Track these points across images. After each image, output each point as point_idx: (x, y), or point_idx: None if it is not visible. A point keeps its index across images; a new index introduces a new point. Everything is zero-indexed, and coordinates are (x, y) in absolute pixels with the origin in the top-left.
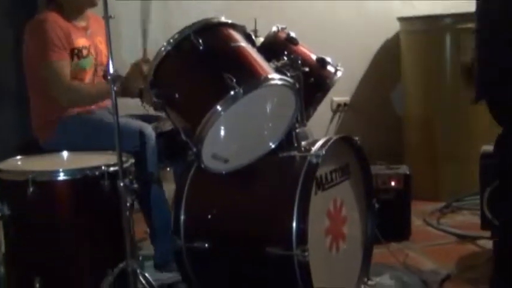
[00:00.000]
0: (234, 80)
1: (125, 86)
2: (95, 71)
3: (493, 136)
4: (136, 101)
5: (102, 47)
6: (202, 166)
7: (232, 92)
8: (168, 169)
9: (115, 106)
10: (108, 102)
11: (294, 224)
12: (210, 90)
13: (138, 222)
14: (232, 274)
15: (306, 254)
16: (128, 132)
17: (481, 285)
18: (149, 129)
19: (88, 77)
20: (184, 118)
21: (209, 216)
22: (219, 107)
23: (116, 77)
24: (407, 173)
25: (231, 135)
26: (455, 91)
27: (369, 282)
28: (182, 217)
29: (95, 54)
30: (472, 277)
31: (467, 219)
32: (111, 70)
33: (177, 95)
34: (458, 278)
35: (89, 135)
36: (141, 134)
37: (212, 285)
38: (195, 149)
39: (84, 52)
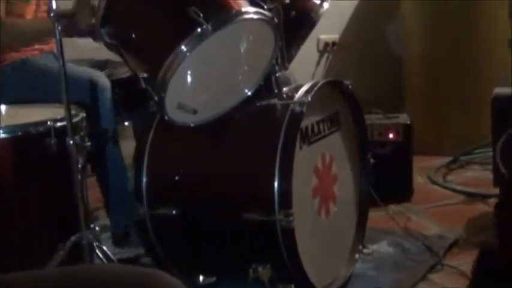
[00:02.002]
0: (201, 15)
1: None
2: (38, 6)
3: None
4: (88, 42)
5: None
6: (167, 118)
7: (199, 29)
8: (126, 123)
9: (60, 49)
10: (53, 45)
11: (276, 184)
12: (172, 28)
13: (92, 187)
14: (205, 244)
15: (291, 219)
16: (76, 83)
17: None
18: (102, 78)
19: (29, 14)
20: (143, 61)
21: (176, 178)
22: (183, 47)
23: (61, 14)
24: (408, 122)
25: (200, 81)
26: (463, 24)
27: (364, 250)
28: (144, 179)
29: None
30: (484, 241)
31: (478, 175)
32: (54, 5)
33: (133, 34)
34: (468, 243)
35: (31, 85)
36: (93, 85)
37: (181, 258)
38: (157, 98)
39: None
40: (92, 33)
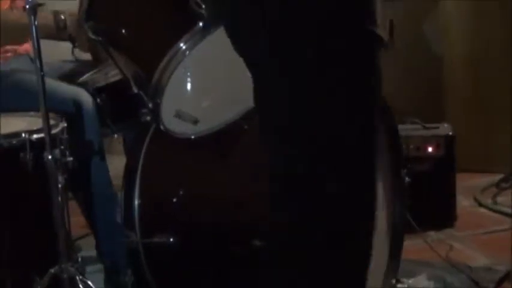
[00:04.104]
0: (203, 6)
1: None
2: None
3: None
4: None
5: None
6: (163, 129)
7: (200, 24)
8: (116, 136)
9: (37, 49)
10: (28, 47)
11: None
12: (169, 22)
13: (75, 211)
14: (208, 278)
15: None
16: (56, 95)
17: None
18: (85, 95)
19: (3, 5)
20: (135, 62)
21: (174, 200)
22: (182, 45)
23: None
24: (450, 133)
25: (201, 85)
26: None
27: (399, 286)
28: (136, 202)
29: None
30: None
31: None
32: None
33: (123, 30)
34: None
35: (3, 92)
36: (75, 100)
37: None
38: (151, 105)
39: None
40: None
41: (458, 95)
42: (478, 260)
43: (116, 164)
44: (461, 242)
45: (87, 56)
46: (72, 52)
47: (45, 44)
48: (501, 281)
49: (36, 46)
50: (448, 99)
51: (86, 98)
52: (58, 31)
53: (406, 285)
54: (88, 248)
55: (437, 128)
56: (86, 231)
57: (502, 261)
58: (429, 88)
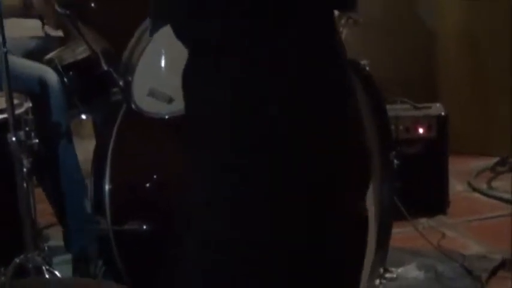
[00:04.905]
0: None
1: None
2: None
3: None
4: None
5: None
6: (135, 108)
7: None
8: (84, 117)
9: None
10: None
11: None
12: None
13: (43, 197)
14: (181, 265)
15: None
16: (23, 73)
17: None
18: (51, 73)
19: None
20: (104, 37)
21: (147, 185)
22: None
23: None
24: (443, 114)
25: (176, 62)
26: None
27: (387, 275)
28: (107, 187)
29: None
30: None
31: None
32: None
33: (92, 3)
34: None
35: None
36: (41, 78)
37: (152, 284)
38: (122, 83)
39: None
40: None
41: (452, 73)
42: (472, 248)
43: (86, 148)
44: (454, 230)
45: (59, 33)
46: (43, 29)
47: (12, 20)
48: (496, 269)
49: None
50: (441, 77)
51: (51, 76)
52: (25, 8)
53: (395, 275)
54: (56, 238)
55: (429, 108)
56: (54, 219)
57: (497, 249)
58: (421, 66)
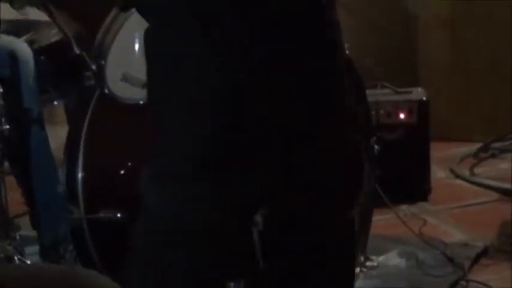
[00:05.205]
0: None
1: None
2: None
3: None
4: None
5: None
6: (107, 92)
7: None
8: (56, 103)
9: None
10: None
11: None
12: None
13: (14, 185)
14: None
15: None
16: None
17: None
18: (23, 47)
19: None
20: (76, 20)
21: (121, 172)
22: None
23: None
24: (424, 99)
25: None
26: None
27: (368, 263)
28: (80, 175)
29: None
30: None
31: None
32: None
33: None
34: (500, 253)
35: None
36: (12, 56)
37: (128, 274)
38: (95, 67)
39: None
40: None
41: (434, 58)
42: (454, 235)
43: (58, 135)
44: (436, 217)
45: (29, 17)
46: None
47: None
48: (478, 257)
49: None
50: (423, 61)
51: (23, 48)
52: None
53: (375, 263)
54: (28, 227)
55: (410, 92)
56: (26, 208)
57: (479, 236)
58: (403, 50)
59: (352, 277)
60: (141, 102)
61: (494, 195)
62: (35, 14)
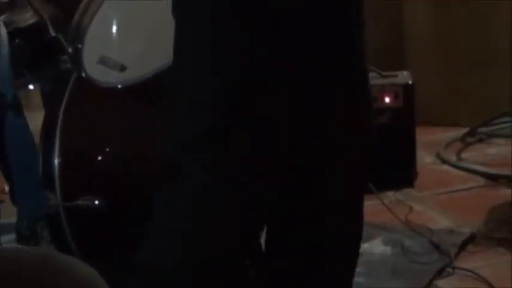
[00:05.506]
0: None
1: None
2: None
3: None
4: None
5: None
6: (84, 76)
7: None
8: (31, 87)
9: None
10: None
11: None
12: None
13: None
14: (138, 244)
15: None
16: None
17: None
18: None
19: None
20: (52, 1)
21: (99, 158)
22: None
23: None
24: (410, 82)
25: (128, 28)
26: None
27: None
28: (56, 161)
29: None
30: (509, 237)
31: (502, 151)
32: None
33: None
34: (487, 240)
35: None
36: None
37: (105, 262)
38: (71, 50)
39: None
40: None
41: (420, 39)
42: (440, 222)
43: (34, 120)
44: (422, 203)
45: None
46: None
47: None
48: (465, 244)
49: None
50: (408, 43)
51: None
52: None
53: (360, 251)
54: (5, 215)
55: (396, 76)
56: (2, 197)
57: (466, 223)
58: (388, 31)
59: (352, 277)
60: (119, 86)
61: (482, 181)
62: None
